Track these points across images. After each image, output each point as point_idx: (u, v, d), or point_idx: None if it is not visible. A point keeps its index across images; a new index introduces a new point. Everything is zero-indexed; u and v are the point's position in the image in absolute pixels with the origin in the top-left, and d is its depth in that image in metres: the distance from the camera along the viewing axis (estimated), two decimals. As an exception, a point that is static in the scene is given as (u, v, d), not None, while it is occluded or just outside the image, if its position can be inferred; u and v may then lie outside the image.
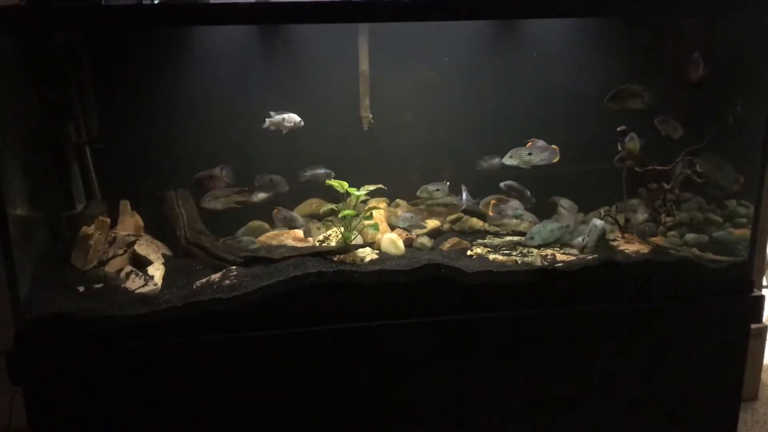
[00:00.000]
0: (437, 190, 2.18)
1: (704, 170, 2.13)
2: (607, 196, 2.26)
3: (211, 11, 1.80)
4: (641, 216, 2.17)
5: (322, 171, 2.17)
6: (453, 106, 2.34)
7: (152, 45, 2.17)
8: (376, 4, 1.86)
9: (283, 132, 2.10)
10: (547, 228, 2.04)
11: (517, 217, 2.12)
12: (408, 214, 2.17)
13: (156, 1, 1.83)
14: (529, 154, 2.06)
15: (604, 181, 2.27)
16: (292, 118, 2.10)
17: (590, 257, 2.09)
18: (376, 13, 1.86)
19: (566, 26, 2.33)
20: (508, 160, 2.10)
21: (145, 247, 2.07)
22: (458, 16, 1.97)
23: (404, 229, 2.18)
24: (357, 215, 2.11)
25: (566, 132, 2.26)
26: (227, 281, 1.93)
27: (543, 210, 2.27)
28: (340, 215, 2.11)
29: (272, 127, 2.10)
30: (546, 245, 2.02)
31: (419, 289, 1.97)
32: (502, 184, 2.20)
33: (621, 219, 2.25)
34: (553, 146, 2.09)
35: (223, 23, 1.99)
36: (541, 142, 2.17)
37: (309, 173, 2.18)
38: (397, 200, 2.36)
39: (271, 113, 2.11)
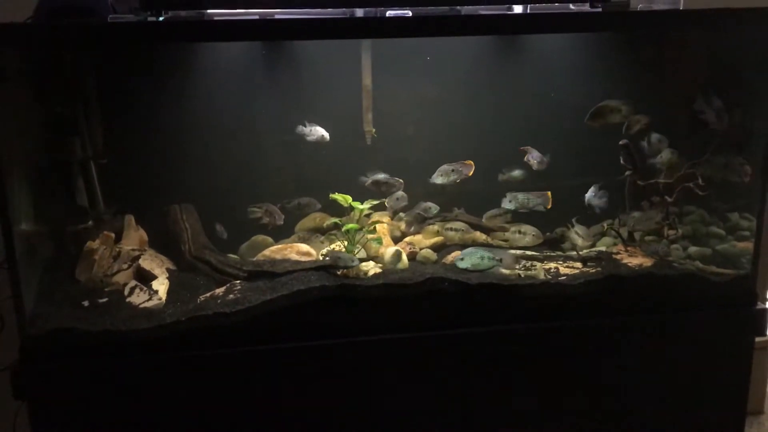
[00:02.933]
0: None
1: (710, 173, 2.12)
2: (610, 209, 2.26)
3: (216, 28, 1.82)
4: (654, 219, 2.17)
5: (382, 176, 2.20)
6: (456, 120, 2.35)
7: (156, 60, 2.19)
8: (379, 21, 1.88)
9: (308, 140, 2.17)
10: (477, 254, 2.04)
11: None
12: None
13: (161, 18, 1.85)
14: (453, 170, 2.17)
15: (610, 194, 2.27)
16: (318, 131, 2.16)
17: (593, 270, 2.09)
18: (380, 29, 1.88)
19: (569, 39, 2.34)
20: (438, 179, 2.17)
21: (149, 262, 2.08)
22: (460, 31, 1.99)
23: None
24: (360, 229, 2.11)
25: (569, 144, 2.27)
26: (231, 295, 1.94)
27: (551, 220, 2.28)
28: (343, 229, 2.12)
29: (306, 137, 2.17)
30: (474, 271, 2.03)
31: (423, 302, 1.97)
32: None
33: (624, 232, 2.25)
34: (468, 161, 2.17)
35: (228, 40, 2.01)
36: (535, 152, 2.20)
37: (370, 178, 2.20)
38: (401, 214, 2.36)
39: (306, 123, 2.16)
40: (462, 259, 2.06)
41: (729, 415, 2.12)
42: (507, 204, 2.18)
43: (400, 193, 2.22)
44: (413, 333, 1.94)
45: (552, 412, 2.04)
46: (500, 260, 2.03)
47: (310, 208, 2.21)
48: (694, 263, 2.15)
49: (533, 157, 2.20)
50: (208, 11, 1.91)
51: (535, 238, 2.24)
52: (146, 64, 2.16)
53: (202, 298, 1.95)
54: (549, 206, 2.18)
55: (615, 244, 2.27)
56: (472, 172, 2.18)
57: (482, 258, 2.03)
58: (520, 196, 2.16)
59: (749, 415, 2.47)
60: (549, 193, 2.18)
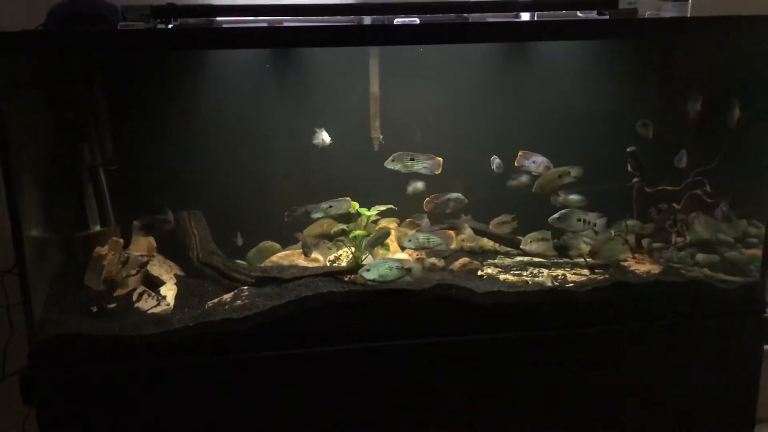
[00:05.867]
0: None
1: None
2: (618, 215, 2.26)
3: (225, 35, 1.83)
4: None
5: (420, 184, 2.19)
6: (463, 126, 2.36)
7: (166, 68, 2.20)
8: (387, 28, 1.89)
9: (318, 147, 2.17)
10: (385, 264, 1.98)
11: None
12: (421, 235, 2.10)
13: (170, 26, 1.86)
14: (411, 159, 2.08)
15: (613, 201, 2.27)
16: (321, 135, 2.16)
17: (601, 277, 2.09)
18: (388, 36, 1.89)
19: (577, 47, 2.35)
20: (389, 164, 2.10)
21: (157, 268, 2.09)
22: (468, 39, 1.99)
23: (415, 249, 2.16)
24: (367, 235, 2.12)
25: (577, 151, 2.27)
26: (239, 301, 1.94)
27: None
28: (350, 235, 2.12)
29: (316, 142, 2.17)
30: (383, 282, 1.97)
31: (430, 309, 1.97)
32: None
33: (631, 239, 2.25)
34: (438, 158, 2.10)
35: (237, 47, 2.02)
36: (540, 157, 2.18)
37: (411, 186, 2.21)
38: (408, 220, 2.37)
39: (320, 129, 2.17)
40: (368, 270, 1.97)
41: (738, 422, 2.11)
42: (407, 244, 2.10)
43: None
44: (420, 339, 1.94)
45: (559, 418, 2.04)
46: (409, 270, 1.97)
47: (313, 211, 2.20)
48: (702, 270, 2.15)
49: (536, 162, 2.18)
50: (217, 19, 1.93)
51: (548, 241, 2.24)
52: (155, 71, 2.17)
53: (210, 303, 1.96)
54: (438, 171, 2.09)
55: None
56: (439, 170, 2.11)
57: (390, 268, 1.96)
58: (420, 237, 2.08)
59: (759, 422, 2.45)
60: (452, 232, 2.11)
